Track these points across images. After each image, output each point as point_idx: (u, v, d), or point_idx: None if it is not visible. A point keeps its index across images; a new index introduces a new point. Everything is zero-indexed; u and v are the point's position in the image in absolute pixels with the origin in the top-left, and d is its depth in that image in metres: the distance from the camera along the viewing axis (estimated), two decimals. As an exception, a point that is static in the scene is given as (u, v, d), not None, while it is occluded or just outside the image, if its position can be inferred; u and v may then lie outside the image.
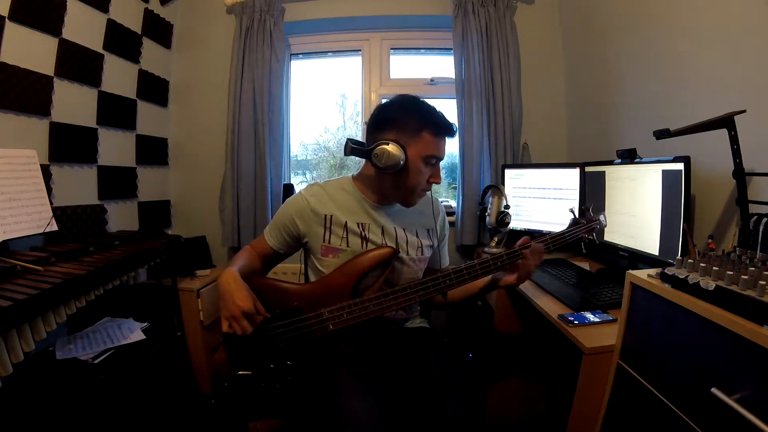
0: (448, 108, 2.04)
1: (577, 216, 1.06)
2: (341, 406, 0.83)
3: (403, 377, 0.96)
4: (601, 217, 1.06)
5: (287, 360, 0.94)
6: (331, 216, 1.02)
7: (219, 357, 0.98)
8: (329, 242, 1.01)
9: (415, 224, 1.08)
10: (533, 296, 1.16)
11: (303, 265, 1.17)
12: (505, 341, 1.50)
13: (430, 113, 0.96)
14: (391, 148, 0.91)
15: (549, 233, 1.00)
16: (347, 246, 1.01)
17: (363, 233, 1.01)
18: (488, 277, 0.99)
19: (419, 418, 0.87)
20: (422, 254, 1.07)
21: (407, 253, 1.04)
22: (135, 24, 1.86)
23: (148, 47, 1.96)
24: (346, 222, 1.01)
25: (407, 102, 0.98)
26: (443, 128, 0.96)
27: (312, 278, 1.09)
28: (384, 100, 1.03)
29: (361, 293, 0.94)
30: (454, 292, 1.06)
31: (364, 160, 1.02)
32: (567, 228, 1.02)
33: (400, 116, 0.95)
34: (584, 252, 1.04)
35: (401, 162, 0.92)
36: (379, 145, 0.92)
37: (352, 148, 0.94)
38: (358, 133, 2.27)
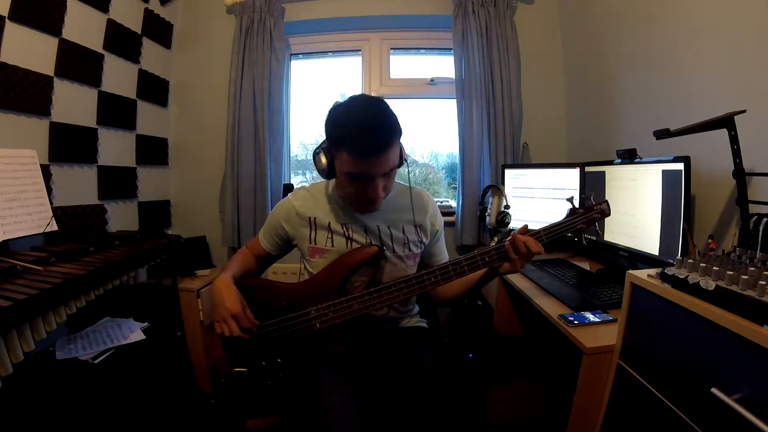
0: (448, 108, 2.05)
1: (575, 206, 0.97)
2: (321, 402, 0.84)
3: (390, 376, 0.96)
4: (603, 206, 0.96)
5: (278, 357, 0.95)
6: (315, 218, 1.03)
7: (217, 353, 1.00)
8: (315, 243, 1.03)
9: (401, 220, 1.06)
10: (533, 296, 1.16)
11: (302, 265, 1.18)
12: (505, 343, 1.50)
13: (349, 132, 0.85)
14: (319, 157, 0.93)
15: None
16: (332, 246, 1.02)
17: (347, 233, 1.02)
18: (485, 270, 0.97)
19: (405, 417, 0.87)
20: (409, 251, 1.06)
21: (393, 251, 1.03)
22: (135, 24, 1.86)
23: (148, 47, 1.96)
24: (329, 223, 1.03)
25: (339, 111, 0.90)
26: (359, 150, 0.85)
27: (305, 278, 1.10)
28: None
29: (349, 292, 0.94)
30: (451, 287, 1.06)
31: None
32: (564, 218, 0.95)
33: (328, 127, 0.91)
34: (585, 244, 0.97)
35: (325, 173, 0.93)
36: (316, 152, 0.94)
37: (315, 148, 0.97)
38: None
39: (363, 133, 0.84)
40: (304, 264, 1.09)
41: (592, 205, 0.96)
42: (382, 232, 1.04)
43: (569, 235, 0.96)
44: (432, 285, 0.91)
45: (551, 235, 0.93)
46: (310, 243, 1.03)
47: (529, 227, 0.93)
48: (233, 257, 1.11)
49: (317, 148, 0.95)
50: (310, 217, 1.04)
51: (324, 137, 0.95)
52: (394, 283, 0.92)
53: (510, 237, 0.90)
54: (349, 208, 1.03)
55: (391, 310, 1.06)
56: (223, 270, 1.04)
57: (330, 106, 0.94)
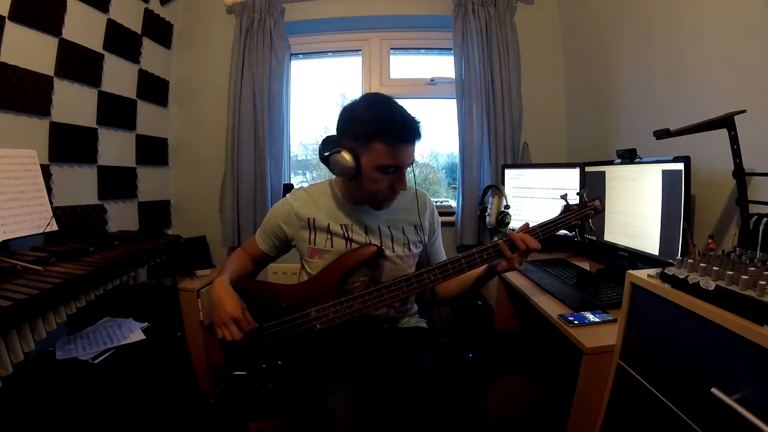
0: (448, 108, 2.05)
1: (569, 203, 0.99)
2: (324, 404, 0.84)
3: (391, 377, 0.96)
4: (596, 203, 0.97)
5: (278, 360, 0.95)
6: (314, 219, 1.03)
7: (217, 357, 0.99)
8: (314, 244, 1.03)
9: (401, 221, 1.07)
10: (533, 296, 1.16)
11: (300, 266, 1.18)
12: (504, 339, 1.50)
13: (381, 122, 0.88)
14: (341, 156, 0.89)
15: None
16: (332, 247, 1.01)
17: (346, 234, 1.02)
18: (483, 268, 0.98)
19: (406, 417, 0.87)
20: (409, 251, 1.06)
21: (392, 251, 1.04)
22: (135, 24, 1.86)
23: (148, 47, 1.96)
24: (328, 224, 1.02)
25: (363, 106, 0.92)
26: (398, 137, 0.89)
27: (304, 279, 1.10)
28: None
29: (348, 292, 0.94)
30: (449, 287, 1.06)
31: None
32: (558, 215, 0.97)
33: (353, 123, 0.91)
34: (579, 240, 0.99)
35: (351, 171, 0.90)
36: (334, 152, 0.91)
37: (320, 150, 0.95)
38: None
39: (400, 122, 0.89)
40: (303, 264, 1.08)
41: (586, 202, 0.97)
42: (382, 232, 1.04)
43: (569, 234, 0.97)
44: (431, 283, 0.91)
45: (546, 232, 0.94)
46: (310, 244, 1.03)
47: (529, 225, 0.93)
48: (229, 259, 1.11)
49: (330, 151, 0.91)
50: (309, 219, 1.03)
51: (330, 139, 0.95)
52: (394, 282, 0.92)
53: (506, 236, 0.91)
54: (352, 206, 1.03)
55: (390, 309, 1.06)
56: (220, 273, 1.03)
57: (343, 107, 0.95)
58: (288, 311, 0.95)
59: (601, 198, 0.99)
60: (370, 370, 0.97)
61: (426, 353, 1.01)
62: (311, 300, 0.95)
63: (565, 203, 0.98)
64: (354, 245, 1.01)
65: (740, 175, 0.92)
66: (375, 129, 0.88)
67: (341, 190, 1.05)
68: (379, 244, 1.00)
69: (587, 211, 0.96)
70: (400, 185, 0.94)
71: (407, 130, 0.89)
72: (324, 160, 0.94)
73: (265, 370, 0.96)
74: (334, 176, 1.10)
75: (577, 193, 0.99)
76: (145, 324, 1.48)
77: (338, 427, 0.79)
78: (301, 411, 0.96)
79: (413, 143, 0.92)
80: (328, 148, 0.94)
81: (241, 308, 0.93)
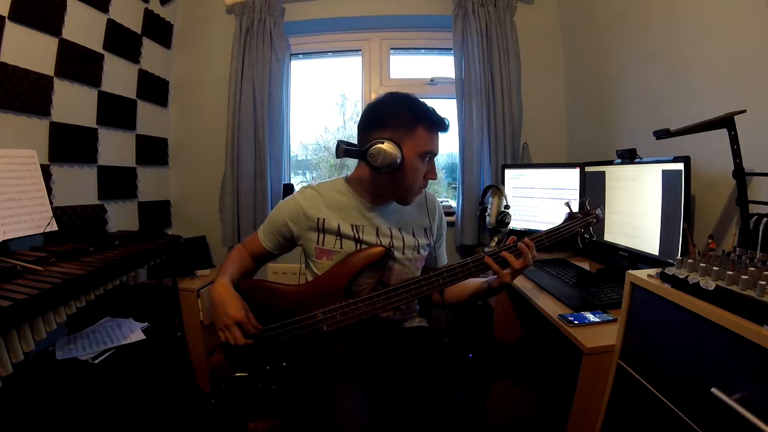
0: (448, 108, 2.05)
1: (573, 210, 1.02)
2: (331, 405, 0.83)
3: (398, 377, 0.96)
4: (598, 211, 1.02)
5: (283, 361, 0.94)
6: (324, 220, 1.01)
7: (216, 359, 0.99)
8: (323, 245, 1.01)
9: (412, 223, 1.07)
10: (533, 296, 1.16)
11: (303, 265, 1.18)
12: (504, 342, 1.50)
13: (422, 109, 0.95)
14: (386, 146, 0.89)
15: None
16: (341, 248, 1.00)
17: (357, 235, 1.01)
18: (482, 283, 1.00)
19: (414, 417, 0.87)
20: (418, 254, 1.06)
21: (402, 253, 1.03)
22: (135, 24, 1.86)
23: (148, 47, 1.96)
24: (338, 225, 1.01)
25: (398, 99, 0.97)
26: (437, 123, 0.95)
27: (309, 279, 1.09)
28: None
29: (355, 294, 0.94)
30: (450, 294, 1.07)
31: (358, 161, 1.02)
32: (562, 222, 1.00)
33: (393, 114, 0.94)
34: (580, 247, 1.01)
35: (398, 160, 0.90)
36: (374, 144, 0.90)
37: (345, 149, 0.93)
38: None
39: (433, 109, 0.96)
40: (309, 264, 1.07)
41: (588, 210, 1.00)
42: (393, 235, 1.03)
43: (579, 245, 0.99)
44: (440, 286, 0.91)
45: (553, 239, 0.96)
46: (318, 244, 1.01)
47: (526, 234, 0.96)
48: (229, 256, 1.08)
49: (370, 146, 0.90)
50: (318, 219, 1.01)
51: (370, 133, 0.95)
52: (402, 284, 0.91)
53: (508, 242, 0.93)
54: (367, 205, 1.02)
55: (396, 312, 1.06)
56: (220, 273, 1.00)
57: (371, 104, 0.99)
58: (293, 312, 0.94)
59: (602, 207, 1.03)
60: (376, 372, 0.97)
61: (430, 352, 1.01)
62: (317, 301, 0.94)
63: (568, 210, 1.01)
64: (364, 247, 1.00)
65: (740, 175, 0.92)
66: (418, 116, 0.93)
67: (356, 190, 1.04)
68: (387, 245, 1.00)
69: (590, 219, 0.99)
70: (432, 174, 0.98)
71: (443, 119, 0.97)
72: (359, 155, 0.93)
73: (269, 371, 0.95)
74: (344, 175, 1.10)
75: (581, 200, 1.03)
76: (145, 324, 1.48)
77: (347, 429, 0.78)
78: (307, 413, 0.96)
79: (443, 133, 0.98)
80: (355, 146, 0.95)
81: (243, 310, 0.91)
